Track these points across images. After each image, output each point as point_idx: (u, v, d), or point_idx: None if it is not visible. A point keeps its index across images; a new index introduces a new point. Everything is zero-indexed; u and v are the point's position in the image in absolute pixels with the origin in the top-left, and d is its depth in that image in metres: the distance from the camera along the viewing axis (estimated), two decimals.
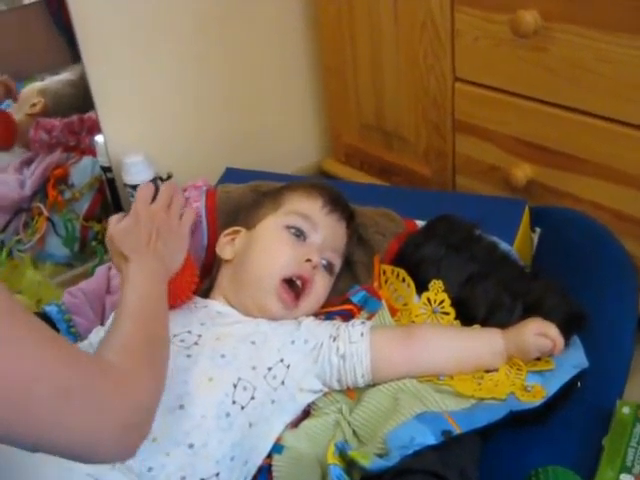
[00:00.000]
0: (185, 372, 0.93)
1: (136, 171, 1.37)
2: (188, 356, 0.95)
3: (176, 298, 1.02)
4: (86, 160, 1.52)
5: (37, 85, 1.55)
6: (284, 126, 1.64)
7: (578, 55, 1.11)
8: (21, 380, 0.62)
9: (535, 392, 0.99)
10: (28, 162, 1.54)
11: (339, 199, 1.15)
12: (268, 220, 1.10)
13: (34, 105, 1.54)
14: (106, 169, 1.46)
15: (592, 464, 0.95)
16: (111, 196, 1.48)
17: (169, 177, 1.41)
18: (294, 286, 1.04)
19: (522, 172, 1.25)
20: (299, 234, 1.08)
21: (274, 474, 0.95)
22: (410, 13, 1.33)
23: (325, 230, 1.09)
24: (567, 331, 1.07)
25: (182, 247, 1.01)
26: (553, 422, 1.03)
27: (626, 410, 1.01)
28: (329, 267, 1.10)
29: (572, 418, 1.05)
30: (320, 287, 1.07)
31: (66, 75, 1.51)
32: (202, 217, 1.22)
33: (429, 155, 1.42)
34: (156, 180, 1.41)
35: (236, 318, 1.04)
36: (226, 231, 1.15)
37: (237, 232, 1.13)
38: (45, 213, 1.49)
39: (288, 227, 1.08)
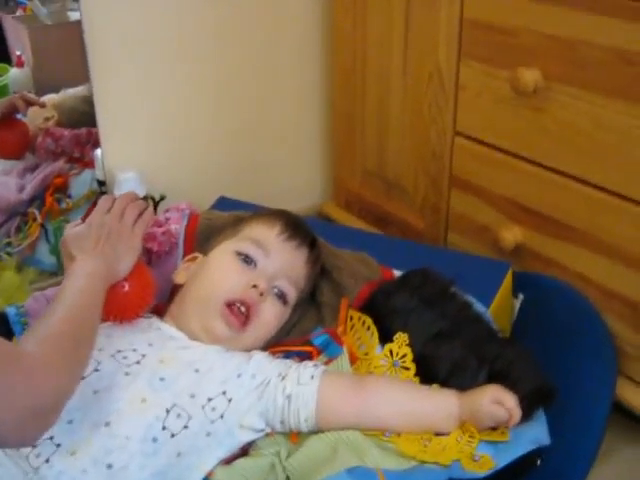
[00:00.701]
0: (119, 390, 0.90)
1: (127, 187, 1.36)
2: (126, 374, 0.92)
3: (127, 310, 1.00)
4: (87, 173, 1.52)
5: (53, 99, 1.58)
6: (288, 165, 1.63)
7: (576, 119, 1.08)
8: None
9: (482, 463, 0.93)
10: (32, 168, 1.55)
11: (299, 226, 1.12)
12: (222, 245, 1.09)
13: (47, 119, 1.56)
14: (101, 183, 1.46)
15: None
16: None
17: (162, 199, 1.40)
18: (239, 311, 1.02)
19: (512, 235, 1.21)
20: (249, 261, 1.05)
21: None
22: (419, 64, 1.32)
23: (280, 257, 1.07)
24: (532, 404, 1.01)
25: (131, 253, 1.00)
26: None
27: None
28: (282, 296, 1.06)
29: None
30: (269, 315, 1.04)
31: (81, 90, 1.53)
32: (179, 240, 1.21)
33: (425, 208, 1.38)
34: (147, 199, 1.40)
35: (185, 343, 1.01)
36: (186, 257, 1.14)
37: (195, 258, 1.13)
38: (39, 220, 1.49)
39: (238, 253, 1.06)
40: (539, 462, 1.01)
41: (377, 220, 1.50)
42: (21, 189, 1.51)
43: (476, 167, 1.26)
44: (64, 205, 1.51)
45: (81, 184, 1.53)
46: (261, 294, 1.02)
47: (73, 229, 1.00)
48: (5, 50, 1.60)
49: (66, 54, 1.60)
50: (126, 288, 0.99)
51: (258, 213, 1.15)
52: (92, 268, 0.92)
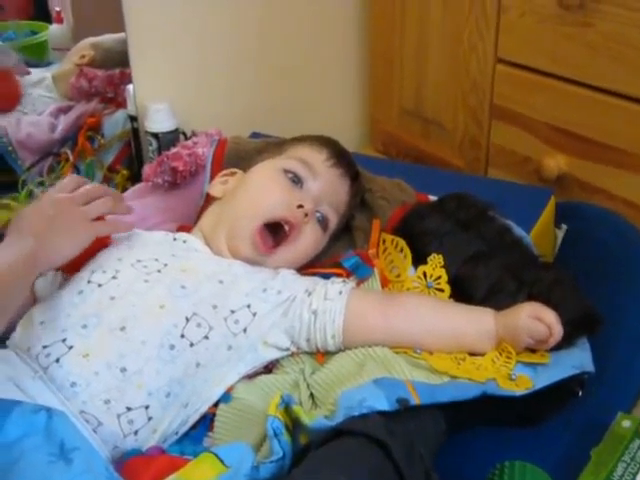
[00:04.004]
0: (137, 296, 0.87)
1: (158, 119, 1.33)
2: (146, 281, 0.88)
3: None
4: (120, 113, 1.50)
5: (91, 39, 1.57)
6: (324, 106, 1.58)
7: (624, 30, 1.01)
8: None
9: (519, 382, 0.87)
10: (66, 109, 1.53)
11: (345, 155, 1.08)
12: (266, 162, 1.05)
13: (83, 57, 1.55)
14: (133, 118, 1.43)
15: (575, 474, 0.82)
16: (135, 146, 1.46)
17: (193, 134, 1.37)
18: (279, 231, 0.97)
19: (555, 163, 1.14)
20: (296, 180, 1.01)
21: (215, 423, 0.87)
22: None
23: (325, 182, 1.03)
24: (575, 330, 0.95)
25: (70, 243, 0.88)
26: (545, 425, 0.91)
27: (626, 424, 0.89)
28: (323, 221, 1.02)
29: (566, 425, 0.93)
30: (308, 238, 1.00)
31: (121, 35, 1.51)
32: (207, 164, 1.17)
33: (464, 144, 1.32)
34: (178, 132, 1.37)
35: (210, 257, 0.97)
36: (223, 172, 1.10)
37: (234, 173, 1.09)
38: (71, 159, 1.47)
39: (285, 170, 1.01)
40: (580, 393, 0.95)
41: (415, 161, 1.44)
42: (53, 129, 1.50)
43: (518, 94, 1.19)
44: (96, 144, 1.49)
45: (114, 124, 1.51)
46: (306, 215, 0.98)
47: (27, 207, 0.90)
48: (45, 7, 1.59)
49: (104, 9, 1.58)
50: None
51: (304, 136, 1.10)
52: (19, 248, 0.82)
